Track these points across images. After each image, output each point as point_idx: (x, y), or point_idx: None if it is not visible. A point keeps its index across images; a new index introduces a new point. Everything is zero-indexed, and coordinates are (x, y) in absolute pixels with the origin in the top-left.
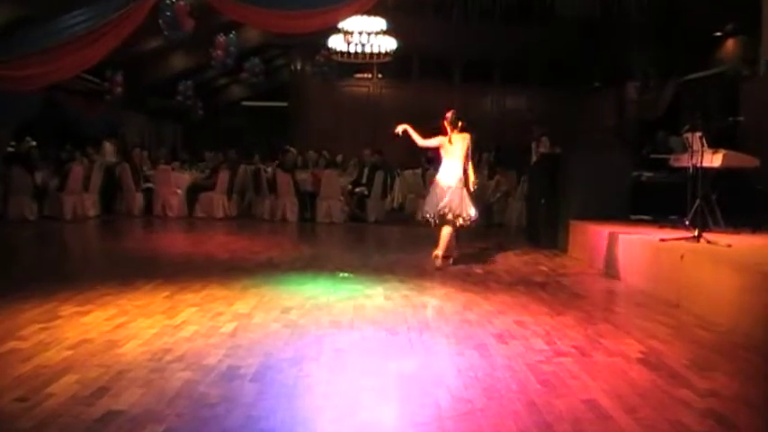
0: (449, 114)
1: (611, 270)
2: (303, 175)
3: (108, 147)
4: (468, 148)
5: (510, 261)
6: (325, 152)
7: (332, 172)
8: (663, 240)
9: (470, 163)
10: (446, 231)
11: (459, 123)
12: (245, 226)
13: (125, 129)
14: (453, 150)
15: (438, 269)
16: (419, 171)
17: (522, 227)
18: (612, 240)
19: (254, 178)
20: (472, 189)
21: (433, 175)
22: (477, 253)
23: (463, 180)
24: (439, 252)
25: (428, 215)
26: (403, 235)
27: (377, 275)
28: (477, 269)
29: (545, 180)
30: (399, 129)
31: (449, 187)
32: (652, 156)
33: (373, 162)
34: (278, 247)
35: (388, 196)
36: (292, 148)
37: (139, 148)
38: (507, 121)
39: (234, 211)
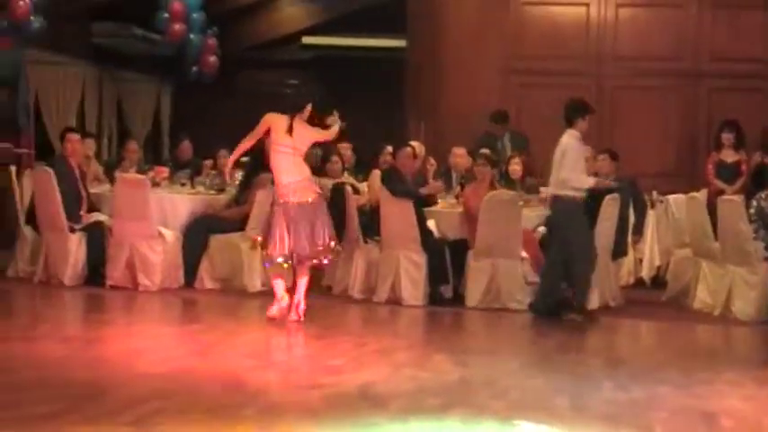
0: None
1: None
2: (443, 204)
3: None
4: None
5: None
6: (486, 151)
7: (505, 197)
8: None
9: None
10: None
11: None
12: (311, 311)
13: (37, 89)
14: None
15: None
16: (700, 195)
17: None
18: None
19: (335, 207)
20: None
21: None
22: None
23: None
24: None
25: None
26: (664, 339)
27: None
28: None
29: None
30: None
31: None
32: None
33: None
34: (382, 361)
35: (630, 252)
36: (414, 144)
37: (76, 134)
38: None
39: (288, 279)
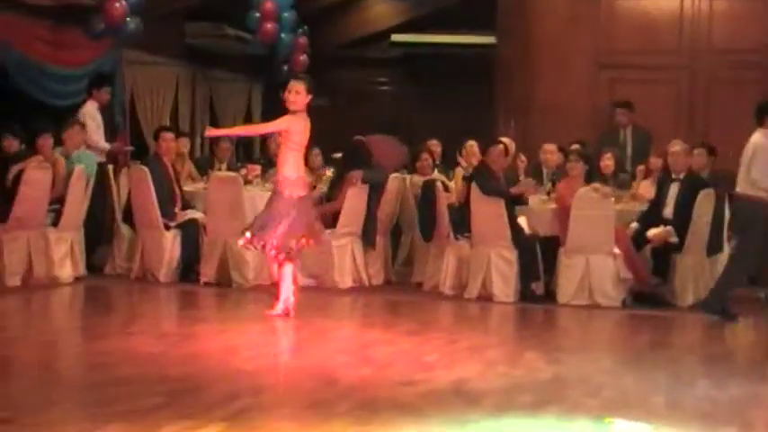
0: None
1: None
2: (534, 200)
3: (91, 117)
4: None
5: None
6: (578, 147)
7: (594, 191)
8: None
9: None
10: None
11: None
12: (403, 307)
13: (132, 89)
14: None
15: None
16: None
17: None
18: None
19: (424, 203)
20: None
21: None
22: None
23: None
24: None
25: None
26: (762, 336)
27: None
28: None
29: None
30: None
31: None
32: None
33: (694, 174)
34: (474, 358)
35: (725, 248)
36: (505, 140)
37: (170, 133)
38: None
39: (379, 275)
